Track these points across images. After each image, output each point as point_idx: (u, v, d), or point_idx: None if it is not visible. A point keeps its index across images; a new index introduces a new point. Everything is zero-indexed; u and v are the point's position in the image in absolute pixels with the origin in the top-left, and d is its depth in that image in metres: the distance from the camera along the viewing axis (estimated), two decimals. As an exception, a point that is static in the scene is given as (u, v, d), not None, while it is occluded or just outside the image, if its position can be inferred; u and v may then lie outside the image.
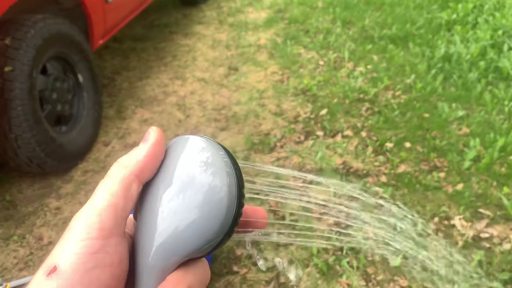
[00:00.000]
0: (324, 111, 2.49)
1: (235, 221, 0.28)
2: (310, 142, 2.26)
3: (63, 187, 2.08)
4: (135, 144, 2.36)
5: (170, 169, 0.30)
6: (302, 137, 2.30)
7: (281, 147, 2.24)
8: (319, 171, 2.06)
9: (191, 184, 0.28)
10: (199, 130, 2.41)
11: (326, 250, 1.67)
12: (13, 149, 1.89)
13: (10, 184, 2.10)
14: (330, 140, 2.27)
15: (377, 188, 1.95)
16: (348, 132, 2.31)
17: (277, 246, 1.70)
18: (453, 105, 2.48)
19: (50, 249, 1.78)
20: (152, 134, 0.31)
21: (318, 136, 2.30)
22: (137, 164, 0.30)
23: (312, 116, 2.47)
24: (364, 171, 2.04)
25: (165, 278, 0.28)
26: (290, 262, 1.63)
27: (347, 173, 2.04)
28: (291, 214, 1.76)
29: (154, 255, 0.28)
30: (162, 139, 0.31)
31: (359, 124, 2.36)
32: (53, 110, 2.10)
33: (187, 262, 0.29)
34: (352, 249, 1.67)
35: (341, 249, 1.67)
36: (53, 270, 0.26)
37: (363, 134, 2.29)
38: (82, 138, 2.25)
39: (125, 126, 2.49)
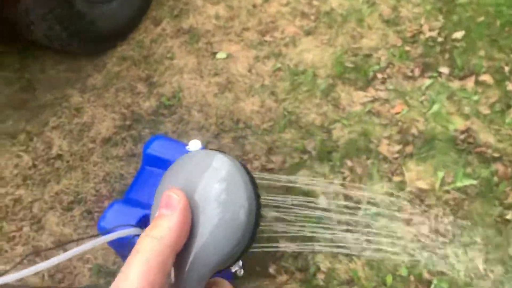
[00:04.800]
0: (459, 34, 1.70)
1: (253, 235, 0.31)
2: (427, 81, 1.57)
3: (91, 77, 1.65)
4: (191, 30, 1.80)
5: (188, 190, 0.30)
6: (417, 71, 1.61)
7: (383, 82, 1.58)
8: (425, 140, 1.43)
9: (211, 204, 0.29)
10: (276, 26, 1.77)
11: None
12: (25, 25, 1.42)
13: (33, 59, 1.69)
14: (457, 85, 1.56)
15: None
16: (487, 77, 1.57)
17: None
18: None
19: (56, 165, 1.42)
20: (177, 198, 0.28)
21: (440, 74, 1.59)
22: (170, 234, 0.27)
23: (440, 37, 1.70)
24: (497, 153, 1.38)
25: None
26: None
27: (467, 149, 1.40)
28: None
29: (188, 270, 0.29)
30: (188, 202, 0.29)
31: (507, 67, 1.60)
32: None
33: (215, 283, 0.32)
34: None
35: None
36: None
37: (510, 86, 1.55)
38: (125, 11, 1.71)
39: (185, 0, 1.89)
